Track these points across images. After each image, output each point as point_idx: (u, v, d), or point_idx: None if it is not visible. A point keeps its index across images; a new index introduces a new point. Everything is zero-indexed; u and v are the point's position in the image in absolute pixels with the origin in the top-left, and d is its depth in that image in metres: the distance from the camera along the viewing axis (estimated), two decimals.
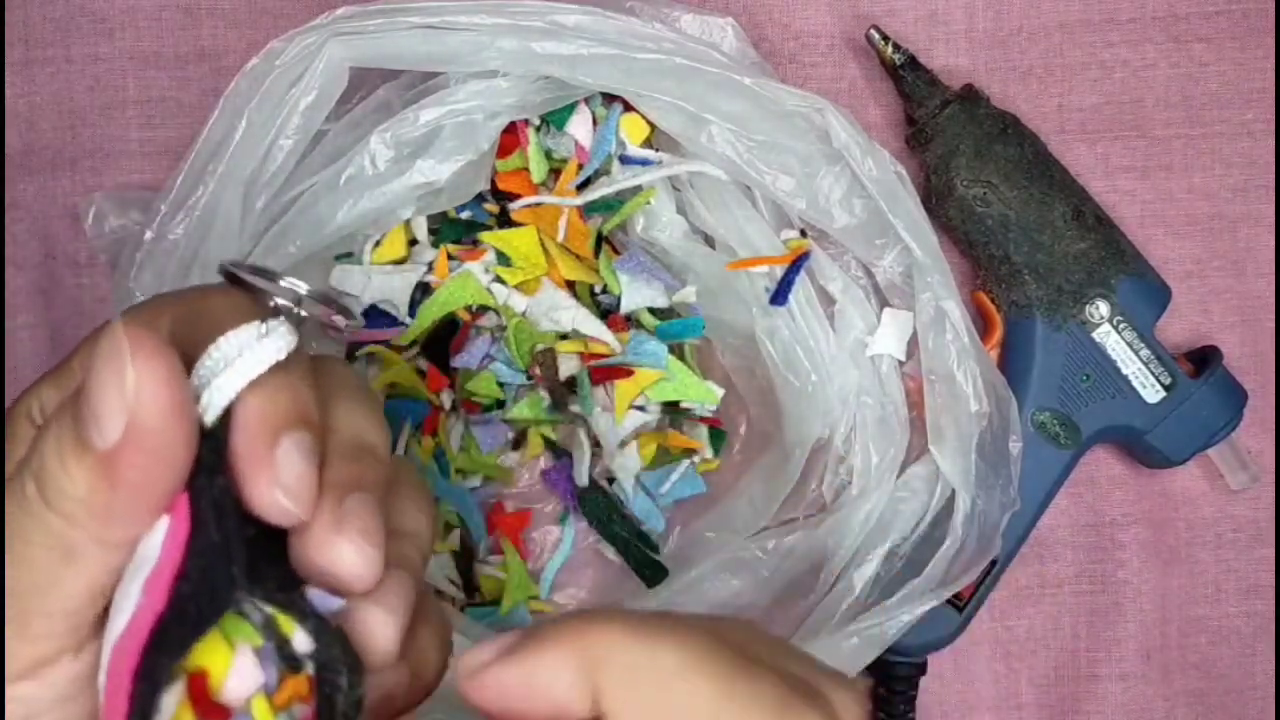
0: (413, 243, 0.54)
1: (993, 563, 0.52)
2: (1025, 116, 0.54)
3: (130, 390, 0.25)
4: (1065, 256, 0.52)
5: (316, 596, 0.27)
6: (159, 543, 0.26)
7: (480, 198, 0.54)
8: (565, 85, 0.50)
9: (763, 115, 0.50)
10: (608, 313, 0.55)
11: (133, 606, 0.26)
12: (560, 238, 0.53)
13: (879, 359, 0.54)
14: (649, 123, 0.53)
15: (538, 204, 0.53)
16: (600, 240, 0.54)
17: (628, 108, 0.53)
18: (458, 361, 0.54)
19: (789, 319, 0.53)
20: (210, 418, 0.26)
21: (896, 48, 0.53)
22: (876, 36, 0.53)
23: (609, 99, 0.53)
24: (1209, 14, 0.57)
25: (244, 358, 0.27)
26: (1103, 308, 0.53)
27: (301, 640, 0.26)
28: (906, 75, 0.53)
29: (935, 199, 0.53)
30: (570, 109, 0.53)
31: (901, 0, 0.56)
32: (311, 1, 0.55)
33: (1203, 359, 0.54)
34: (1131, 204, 0.57)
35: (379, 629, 0.28)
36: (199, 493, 0.26)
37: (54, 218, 0.55)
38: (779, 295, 0.53)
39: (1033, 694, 0.57)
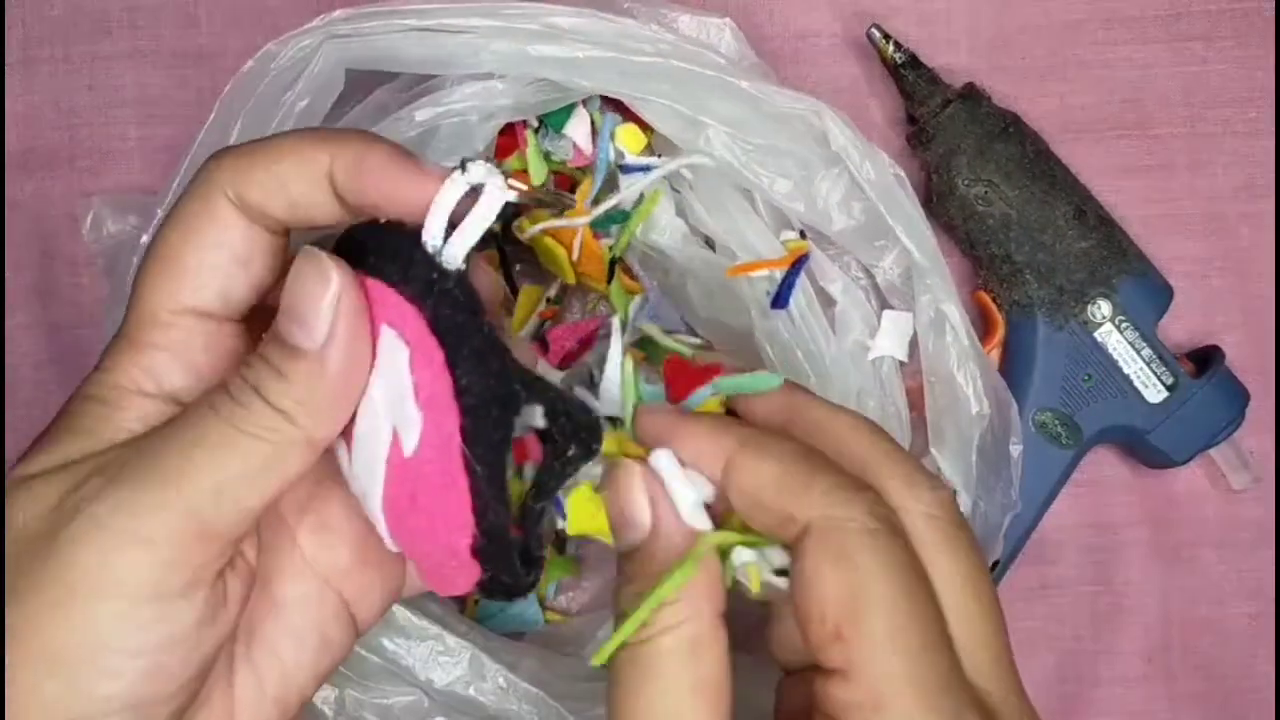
0: None
1: (994, 564, 0.52)
2: (1026, 115, 0.54)
3: (332, 298, 0.29)
4: (1067, 256, 0.52)
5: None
6: (403, 378, 0.30)
7: None
8: (561, 86, 0.50)
9: (760, 118, 0.50)
10: None
11: (416, 427, 0.30)
12: (574, 257, 0.53)
13: (880, 360, 0.54)
14: (645, 131, 0.52)
15: (549, 228, 0.52)
16: (613, 265, 0.54)
17: (625, 113, 0.52)
18: None
19: (788, 321, 0.52)
20: (454, 265, 0.30)
21: (897, 46, 0.53)
22: (877, 35, 0.53)
23: (606, 104, 0.53)
24: (1210, 13, 0.56)
25: (477, 212, 0.30)
26: (1104, 307, 0.52)
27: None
28: (907, 74, 0.53)
29: (937, 198, 0.53)
30: (568, 111, 0.52)
31: None
32: (309, 3, 0.55)
33: (1205, 359, 0.54)
34: (1133, 203, 0.56)
35: None
36: (444, 322, 0.30)
37: (53, 218, 0.56)
38: (779, 299, 0.52)
39: (1033, 694, 0.55)
